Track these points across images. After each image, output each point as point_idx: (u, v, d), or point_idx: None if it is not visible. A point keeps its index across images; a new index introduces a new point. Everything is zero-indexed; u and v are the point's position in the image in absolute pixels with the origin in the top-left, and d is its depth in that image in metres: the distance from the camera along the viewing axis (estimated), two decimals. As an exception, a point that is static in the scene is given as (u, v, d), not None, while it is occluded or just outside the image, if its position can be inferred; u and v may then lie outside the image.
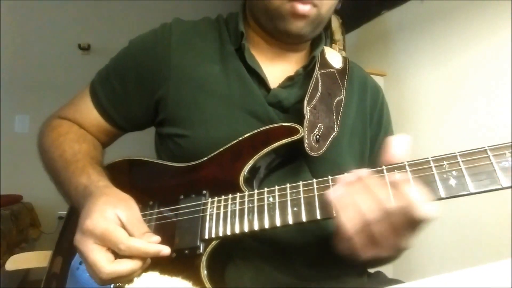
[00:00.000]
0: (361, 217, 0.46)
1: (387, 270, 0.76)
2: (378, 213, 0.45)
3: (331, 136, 0.66)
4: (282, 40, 0.73)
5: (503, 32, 1.47)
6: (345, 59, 0.81)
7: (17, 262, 0.87)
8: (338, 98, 0.72)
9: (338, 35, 2.00)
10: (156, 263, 0.56)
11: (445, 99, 1.72)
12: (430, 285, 0.35)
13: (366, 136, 0.76)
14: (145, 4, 3.12)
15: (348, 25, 2.15)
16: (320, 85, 0.71)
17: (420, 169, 0.48)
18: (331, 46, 1.87)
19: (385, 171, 0.50)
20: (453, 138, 1.65)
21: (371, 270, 0.76)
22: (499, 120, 1.47)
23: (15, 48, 2.78)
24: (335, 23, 1.99)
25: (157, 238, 0.56)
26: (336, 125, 0.68)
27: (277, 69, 0.74)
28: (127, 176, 0.74)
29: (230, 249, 0.61)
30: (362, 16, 2.21)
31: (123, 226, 0.55)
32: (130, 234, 0.55)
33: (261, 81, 0.71)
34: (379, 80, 1.91)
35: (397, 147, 0.50)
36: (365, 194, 0.47)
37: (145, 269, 0.55)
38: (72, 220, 0.74)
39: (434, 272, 0.35)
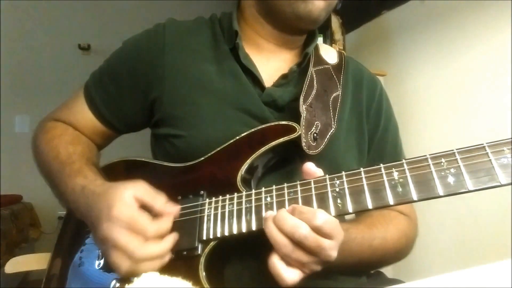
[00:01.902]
0: (281, 249, 0.50)
1: (387, 270, 0.75)
2: (290, 247, 0.49)
3: (329, 134, 0.66)
4: (291, 26, 0.72)
5: (503, 32, 1.47)
6: (340, 54, 0.81)
7: (17, 264, 0.87)
8: (334, 94, 0.72)
9: (338, 35, 2.00)
10: None
11: (445, 99, 1.72)
12: (430, 285, 0.35)
13: (363, 131, 0.76)
14: (145, 4, 3.12)
15: (348, 25, 2.15)
16: (315, 83, 0.71)
17: (418, 167, 0.47)
18: (331, 46, 1.86)
19: (382, 169, 0.49)
20: (453, 138, 1.65)
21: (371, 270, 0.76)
22: (500, 120, 1.47)
23: (15, 48, 2.78)
24: (335, 23, 1.99)
25: (176, 208, 0.58)
26: (334, 122, 0.68)
27: (271, 68, 0.74)
28: (124, 177, 0.74)
29: (229, 250, 0.60)
30: (362, 16, 2.21)
31: (142, 202, 0.56)
32: (150, 207, 0.56)
33: (256, 80, 0.71)
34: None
35: (313, 169, 0.54)
36: (279, 231, 0.50)
37: None
38: (71, 221, 0.74)
39: (434, 272, 0.35)
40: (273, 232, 0.50)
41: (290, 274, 0.49)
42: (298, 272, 0.50)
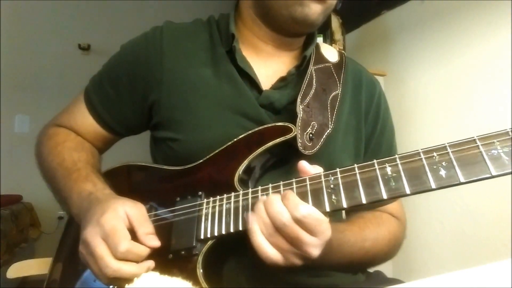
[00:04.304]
0: (263, 230, 0.51)
1: (387, 269, 0.76)
2: (271, 229, 0.50)
3: (325, 134, 0.66)
4: (289, 29, 0.72)
5: (503, 32, 1.47)
6: (340, 53, 0.81)
7: (19, 269, 0.88)
8: (334, 93, 0.72)
9: (338, 35, 2.00)
10: (154, 264, 0.56)
11: (445, 99, 1.72)
12: (430, 285, 0.35)
13: (361, 133, 0.76)
14: (145, 4, 3.13)
15: (348, 25, 2.15)
16: (314, 81, 0.71)
17: (411, 161, 0.48)
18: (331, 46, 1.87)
19: (376, 164, 0.50)
20: (453, 138, 1.65)
21: (371, 270, 0.76)
22: (499, 120, 1.47)
23: (15, 48, 2.78)
24: (335, 23, 1.99)
25: (157, 243, 0.57)
26: (331, 122, 0.68)
27: (269, 70, 0.74)
28: (125, 181, 0.75)
29: (227, 249, 0.61)
30: (362, 16, 2.21)
31: (131, 222, 0.56)
32: (135, 230, 0.56)
33: (253, 82, 0.71)
34: (379, 80, 1.91)
35: (308, 167, 0.54)
36: (264, 219, 0.51)
37: None
38: (72, 225, 0.74)
39: (434, 272, 0.35)
40: (260, 211, 0.51)
41: (272, 251, 0.50)
42: (279, 255, 0.51)
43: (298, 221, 0.49)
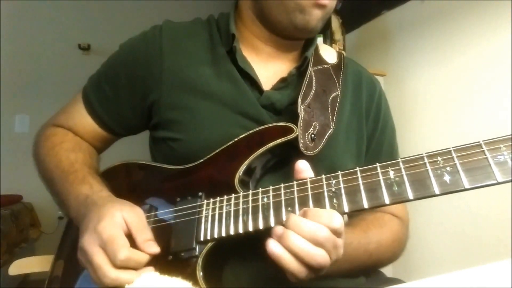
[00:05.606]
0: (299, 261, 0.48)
1: (387, 269, 0.75)
2: (310, 250, 0.47)
3: (327, 134, 0.66)
4: (288, 34, 0.72)
5: (503, 32, 1.47)
6: (339, 54, 0.80)
7: (20, 266, 0.88)
8: (333, 94, 0.71)
9: (338, 35, 2.00)
10: (153, 265, 0.56)
11: (445, 99, 1.72)
12: (430, 285, 0.35)
13: (362, 133, 0.75)
14: (145, 4, 3.13)
15: (348, 25, 2.15)
16: (314, 83, 0.70)
17: (414, 166, 0.47)
18: (331, 46, 1.86)
19: (378, 168, 0.49)
20: (453, 138, 1.65)
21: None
22: (499, 120, 1.47)
23: (15, 48, 2.78)
24: (335, 23, 1.99)
25: (156, 250, 0.56)
26: (332, 123, 0.68)
27: (270, 70, 0.73)
28: (124, 180, 0.74)
29: (227, 251, 0.60)
30: (362, 16, 2.21)
31: (129, 229, 0.56)
32: (134, 237, 0.55)
33: (254, 83, 0.70)
34: (379, 80, 1.91)
35: (304, 167, 0.54)
36: (296, 243, 0.48)
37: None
38: (73, 224, 0.74)
39: (434, 272, 0.35)
40: (296, 239, 0.48)
41: (310, 274, 0.49)
42: (316, 271, 0.49)
43: (334, 231, 0.48)
